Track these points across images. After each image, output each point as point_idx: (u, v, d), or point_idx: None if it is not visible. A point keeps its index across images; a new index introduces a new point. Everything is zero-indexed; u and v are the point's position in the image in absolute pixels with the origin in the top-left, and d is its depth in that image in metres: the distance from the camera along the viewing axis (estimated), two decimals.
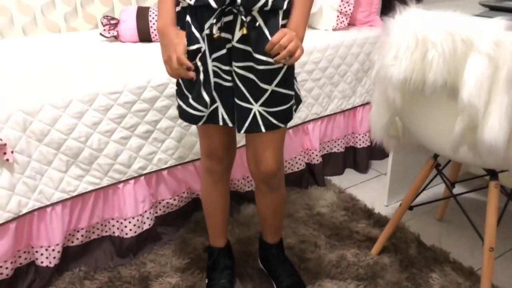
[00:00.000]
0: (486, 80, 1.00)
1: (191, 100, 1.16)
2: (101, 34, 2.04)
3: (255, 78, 1.12)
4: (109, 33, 2.05)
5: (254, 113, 1.16)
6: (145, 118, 1.58)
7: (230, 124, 1.21)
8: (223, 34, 1.09)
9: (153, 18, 2.01)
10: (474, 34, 1.01)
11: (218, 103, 1.18)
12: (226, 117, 1.19)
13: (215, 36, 1.08)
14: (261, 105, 1.15)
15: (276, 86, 1.14)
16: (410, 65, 1.12)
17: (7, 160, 1.31)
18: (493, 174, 1.29)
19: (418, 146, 1.50)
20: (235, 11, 1.06)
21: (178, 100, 1.22)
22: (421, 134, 1.31)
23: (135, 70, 1.58)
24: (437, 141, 1.26)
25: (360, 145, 2.24)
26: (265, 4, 1.05)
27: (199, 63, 1.12)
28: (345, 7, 2.24)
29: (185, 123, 1.67)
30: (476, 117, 1.05)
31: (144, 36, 2.03)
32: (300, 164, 2.05)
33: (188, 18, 1.10)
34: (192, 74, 1.08)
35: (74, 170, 1.48)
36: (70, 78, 1.49)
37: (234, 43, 1.10)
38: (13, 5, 2.17)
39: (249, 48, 1.10)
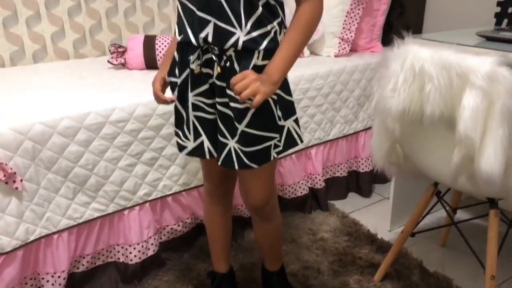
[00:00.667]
0: (481, 114, 1.03)
1: (178, 130, 1.26)
2: (108, 61, 2.10)
3: (231, 114, 1.13)
4: (116, 60, 2.10)
5: (229, 149, 1.16)
6: (151, 145, 1.62)
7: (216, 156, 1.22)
8: (205, 70, 1.13)
9: (159, 46, 2.07)
10: (469, 69, 1.04)
11: (203, 137, 1.20)
12: (212, 149, 1.22)
13: (195, 71, 1.13)
14: (236, 142, 1.14)
15: (246, 126, 1.11)
16: (408, 97, 1.16)
17: (16, 188, 1.34)
18: (492, 202, 1.30)
19: (419, 173, 1.52)
20: (209, 49, 1.10)
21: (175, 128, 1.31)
22: (420, 162, 1.34)
23: (141, 98, 1.62)
24: (436, 170, 1.28)
25: (362, 169, 2.26)
26: (235, 44, 1.06)
27: (174, 97, 1.21)
28: (346, 34, 2.30)
29: None
30: (473, 149, 1.07)
31: (151, 63, 2.08)
32: (304, 189, 2.07)
33: (175, 53, 1.18)
34: (167, 97, 1.23)
35: (81, 197, 1.51)
36: (78, 106, 1.53)
37: (214, 79, 1.13)
38: (24, 34, 2.24)
39: (224, 85, 1.12)
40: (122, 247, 1.63)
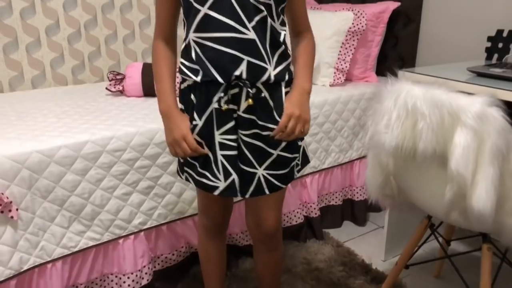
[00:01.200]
0: (472, 152, 1.05)
1: (204, 171, 1.20)
2: (107, 88, 2.12)
3: (261, 144, 1.17)
4: (114, 87, 2.13)
5: (259, 177, 1.19)
6: (147, 174, 1.63)
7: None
8: (230, 106, 1.15)
9: None
10: (460, 108, 1.07)
11: (234, 175, 1.18)
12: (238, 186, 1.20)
13: (223, 108, 1.13)
14: (265, 169, 1.19)
15: (281, 150, 1.19)
16: (401, 134, 1.18)
17: (12, 217, 1.34)
18: (485, 236, 1.32)
19: (413, 205, 1.53)
20: (241, 84, 1.12)
21: (188, 169, 1.24)
22: (414, 196, 1.35)
23: (139, 127, 1.64)
24: (429, 204, 1.30)
25: (357, 198, 2.27)
26: (269, 78, 1.13)
27: (200, 139, 1.18)
28: (341, 65, 2.34)
29: None
30: (465, 186, 1.09)
31: (148, 91, 2.11)
32: (299, 218, 2.08)
33: (192, 96, 1.17)
34: (205, 150, 1.17)
35: (76, 226, 1.51)
36: (75, 135, 1.54)
37: (240, 113, 1.15)
38: (24, 60, 2.27)
39: (254, 117, 1.15)
40: (116, 276, 1.62)
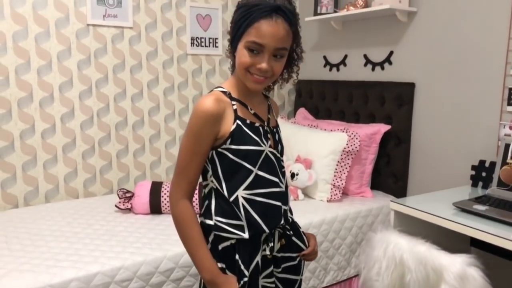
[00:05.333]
0: None
1: None
2: (116, 206, 2.25)
3: (289, 276, 1.30)
4: (123, 205, 2.25)
5: None
6: None
7: None
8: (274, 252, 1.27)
9: (164, 194, 2.23)
10: (442, 266, 1.17)
11: None
12: None
13: (269, 257, 1.23)
14: None
15: (301, 275, 1.34)
16: (391, 283, 1.28)
17: None
18: None
19: None
20: (277, 230, 1.25)
21: None
22: None
23: (146, 256, 1.72)
24: None
25: None
26: (288, 219, 1.30)
27: None
28: (338, 182, 2.49)
29: None
30: None
31: (155, 209, 2.23)
32: None
33: (237, 256, 1.18)
34: None
35: None
36: (86, 265, 1.63)
37: (274, 253, 1.26)
38: (40, 175, 2.43)
39: (286, 254, 1.28)
40: None
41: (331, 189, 2.49)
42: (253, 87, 1.16)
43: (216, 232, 1.19)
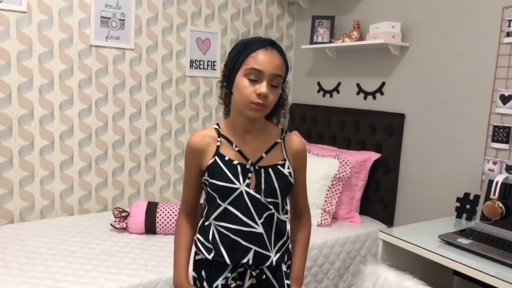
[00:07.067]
0: None
1: None
2: (111, 224, 2.29)
3: None
4: (119, 224, 2.30)
5: None
6: None
7: None
8: (238, 282, 1.30)
9: (160, 214, 2.28)
10: None
11: None
12: None
13: (232, 286, 1.28)
14: None
15: None
16: None
17: None
18: None
19: None
20: (246, 266, 1.29)
21: None
22: None
23: (141, 278, 1.77)
24: None
25: None
26: (271, 263, 1.29)
27: None
28: (328, 207, 2.56)
29: None
30: None
31: (150, 228, 2.28)
32: None
33: (203, 272, 1.31)
34: None
35: None
36: (81, 285, 1.67)
37: None
38: (37, 191, 2.46)
39: None
40: None
41: (322, 213, 2.56)
42: (252, 115, 1.22)
43: (194, 246, 1.35)
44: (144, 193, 2.85)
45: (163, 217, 2.28)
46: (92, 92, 2.57)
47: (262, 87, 1.18)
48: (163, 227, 2.28)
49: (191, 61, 2.93)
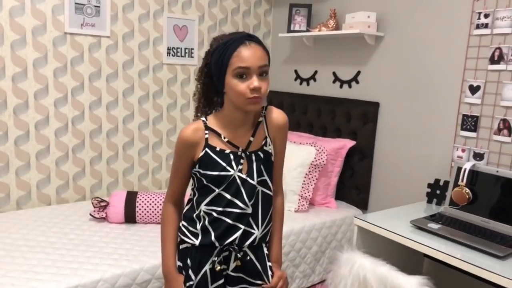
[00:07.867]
0: None
1: None
2: (90, 214, 2.29)
3: None
4: (98, 214, 2.30)
5: None
6: None
7: None
8: (223, 266, 1.36)
9: (139, 204, 2.30)
10: (400, 286, 1.33)
11: None
12: None
13: (217, 269, 1.34)
14: None
15: None
16: None
17: None
18: None
19: None
20: (231, 249, 1.35)
21: None
22: None
23: (123, 268, 1.79)
24: None
25: None
26: (253, 241, 1.36)
27: None
28: (305, 193, 2.63)
29: None
30: None
31: (130, 218, 2.29)
32: None
33: (188, 260, 1.36)
34: None
35: None
36: (65, 279, 1.68)
37: (229, 272, 1.37)
38: (12, 182, 2.43)
39: (242, 274, 1.38)
40: None
41: (299, 200, 2.63)
42: (252, 108, 1.27)
43: (179, 234, 1.39)
44: (123, 181, 2.84)
45: (142, 207, 2.29)
46: (67, 80, 2.53)
47: (254, 82, 1.22)
48: (143, 217, 2.29)
49: (168, 49, 2.90)
